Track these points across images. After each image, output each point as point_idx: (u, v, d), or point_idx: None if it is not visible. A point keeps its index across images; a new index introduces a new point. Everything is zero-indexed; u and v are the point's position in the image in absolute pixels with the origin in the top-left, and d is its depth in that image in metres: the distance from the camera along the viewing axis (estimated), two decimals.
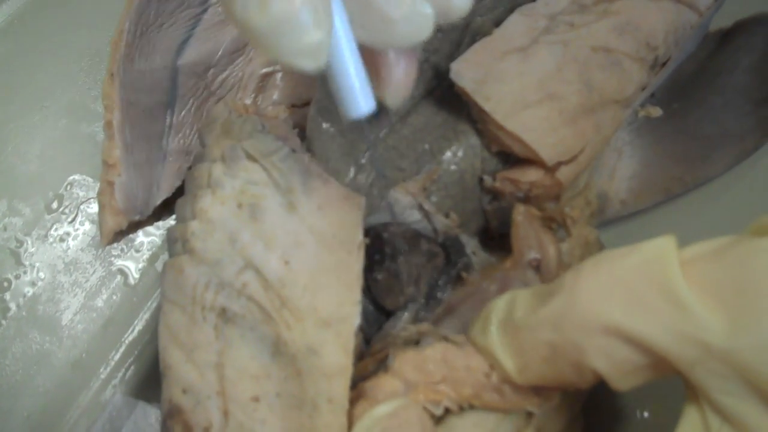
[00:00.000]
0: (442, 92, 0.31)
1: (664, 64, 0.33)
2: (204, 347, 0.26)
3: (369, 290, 0.28)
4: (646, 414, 0.32)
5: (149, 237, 0.34)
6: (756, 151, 0.35)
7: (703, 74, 0.36)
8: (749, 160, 0.35)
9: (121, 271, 0.34)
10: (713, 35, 0.38)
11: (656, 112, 0.35)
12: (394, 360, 0.25)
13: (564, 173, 0.29)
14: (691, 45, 0.36)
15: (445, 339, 0.25)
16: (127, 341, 0.33)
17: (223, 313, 0.26)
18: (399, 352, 0.25)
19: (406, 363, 0.25)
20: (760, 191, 0.35)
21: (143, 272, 0.34)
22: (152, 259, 0.34)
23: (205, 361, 0.26)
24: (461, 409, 0.25)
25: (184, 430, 0.25)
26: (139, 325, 0.33)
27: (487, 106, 0.29)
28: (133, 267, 0.34)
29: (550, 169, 0.29)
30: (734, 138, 0.35)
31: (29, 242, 0.35)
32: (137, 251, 0.34)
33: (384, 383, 0.25)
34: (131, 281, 0.34)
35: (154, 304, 0.34)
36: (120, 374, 0.32)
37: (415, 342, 0.26)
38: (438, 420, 0.25)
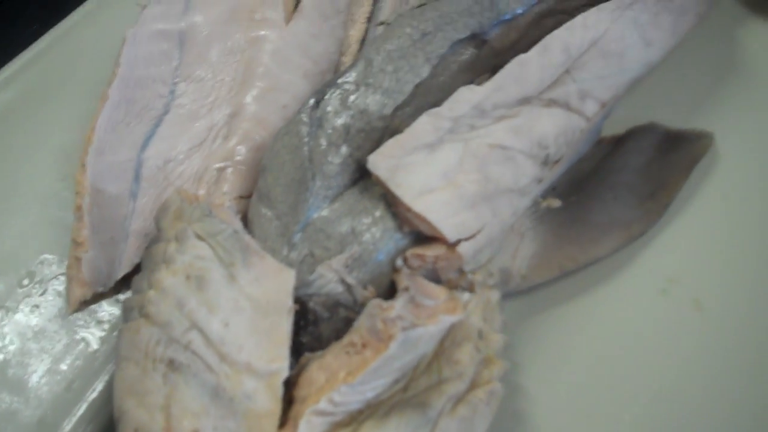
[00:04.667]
0: (363, 183, 0.36)
1: (557, 161, 0.39)
2: (154, 393, 0.31)
3: (296, 349, 0.33)
4: None
5: (111, 308, 0.39)
6: (641, 236, 0.41)
7: (599, 172, 0.43)
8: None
9: (84, 340, 0.38)
10: (609, 139, 0.44)
11: (556, 203, 0.40)
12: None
13: (464, 248, 0.35)
14: (584, 146, 0.42)
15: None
16: (88, 399, 0.37)
17: (171, 364, 0.31)
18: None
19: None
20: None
21: (103, 340, 0.38)
22: (111, 329, 0.39)
23: (155, 404, 0.30)
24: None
25: None
26: (99, 386, 0.37)
27: (397, 192, 0.34)
28: (95, 336, 0.38)
29: (452, 245, 0.35)
30: (622, 226, 0.41)
31: (2, 313, 0.39)
32: (99, 322, 0.39)
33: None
34: (93, 348, 0.38)
35: (113, 368, 0.38)
36: (82, 428, 0.37)
37: None
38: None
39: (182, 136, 0.39)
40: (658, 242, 0.41)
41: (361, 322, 0.32)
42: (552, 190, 0.41)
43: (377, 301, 0.32)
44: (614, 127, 0.43)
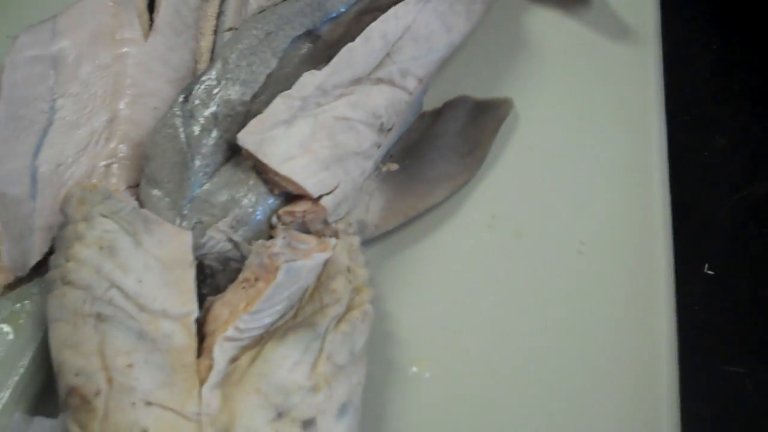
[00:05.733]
0: (236, 159, 0.44)
1: (390, 129, 0.48)
2: (87, 342, 0.37)
3: (201, 301, 0.40)
4: (414, 369, 0.45)
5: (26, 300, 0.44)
6: (466, 185, 0.50)
7: (425, 139, 0.51)
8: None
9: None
10: (430, 113, 0.53)
11: (394, 166, 0.49)
12: None
13: (326, 201, 0.42)
14: (410, 116, 0.51)
15: None
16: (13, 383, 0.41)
17: (98, 317, 0.37)
18: None
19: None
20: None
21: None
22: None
23: (89, 350, 0.36)
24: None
25: (81, 400, 0.36)
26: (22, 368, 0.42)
27: (265, 160, 0.42)
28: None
29: (316, 200, 0.42)
30: (449, 178, 0.50)
31: None
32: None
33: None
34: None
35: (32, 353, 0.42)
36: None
37: None
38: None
39: (68, 143, 0.45)
40: (480, 188, 0.50)
41: (251, 261, 0.39)
42: (390, 157, 0.50)
43: (261, 242, 0.40)
44: (433, 103, 0.52)
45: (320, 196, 0.42)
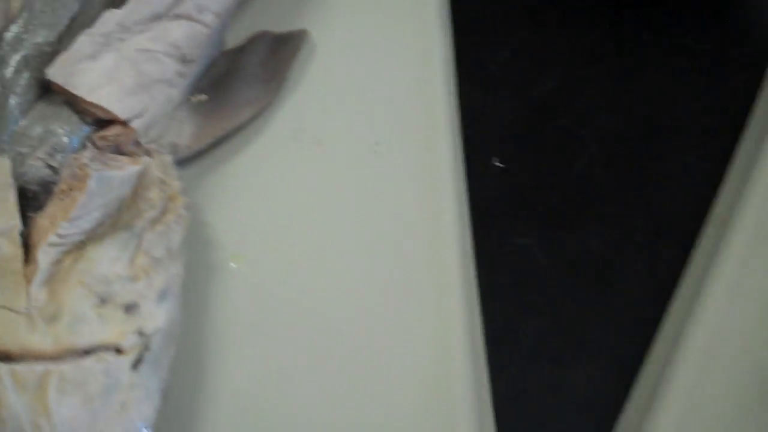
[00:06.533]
0: (48, 96, 0.48)
1: (192, 60, 0.53)
2: None
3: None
4: (232, 265, 0.50)
5: None
6: (269, 106, 0.56)
7: (231, 72, 0.57)
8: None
9: None
10: (234, 49, 0.59)
11: (203, 97, 0.54)
12: None
13: (136, 124, 0.48)
14: (212, 49, 0.56)
15: None
16: None
17: None
18: None
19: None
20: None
21: None
22: None
23: None
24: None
25: None
26: None
27: (75, 91, 0.46)
28: None
29: (126, 124, 0.47)
30: (254, 102, 0.56)
31: None
32: None
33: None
34: None
35: None
36: None
37: None
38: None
39: None
40: (283, 108, 0.56)
41: (64, 174, 0.44)
42: (199, 91, 0.55)
43: (72, 155, 0.45)
44: (236, 40, 0.58)
45: (130, 119, 0.47)
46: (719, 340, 0.48)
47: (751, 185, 0.55)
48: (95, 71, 0.48)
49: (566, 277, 0.56)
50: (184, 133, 0.53)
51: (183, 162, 0.52)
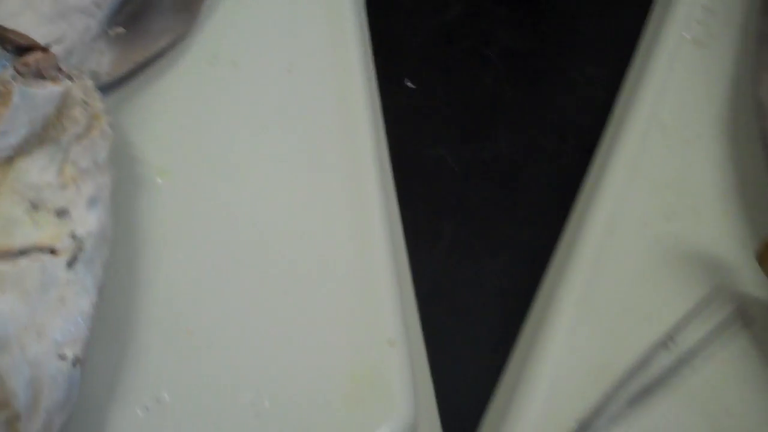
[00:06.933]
0: None
1: None
2: None
3: None
4: (158, 180, 0.53)
5: None
6: (183, 41, 0.59)
7: (147, 4, 0.59)
8: None
9: None
10: None
11: (120, 30, 0.57)
12: None
13: (56, 49, 0.50)
14: None
15: None
16: None
17: None
18: None
19: None
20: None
21: None
22: None
23: None
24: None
25: None
26: None
27: None
28: None
29: (45, 49, 0.50)
30: (171, 31, 0.58)
31: None
32: None
33: None
34: None
35: None
36: None
37: None
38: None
39: None
40: (200, 37, 0.59)
41: None
42: (116, 24, 0.57)
43: None
44: None
45: (49, 45, 0.49)
46: (620, 216, 0.52)
47: (642, 87, 0.59)
48: (12, 2, 0.49)
49: (479, 181, 0.60)
50: (104, 62, 0.55)
51: (105, 89, 0.54)
